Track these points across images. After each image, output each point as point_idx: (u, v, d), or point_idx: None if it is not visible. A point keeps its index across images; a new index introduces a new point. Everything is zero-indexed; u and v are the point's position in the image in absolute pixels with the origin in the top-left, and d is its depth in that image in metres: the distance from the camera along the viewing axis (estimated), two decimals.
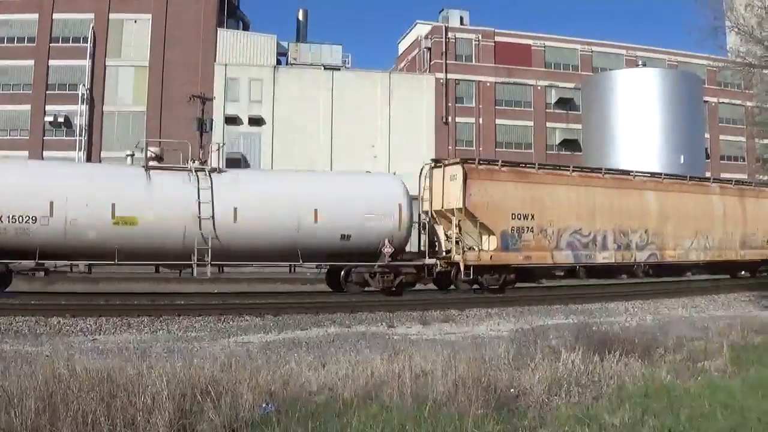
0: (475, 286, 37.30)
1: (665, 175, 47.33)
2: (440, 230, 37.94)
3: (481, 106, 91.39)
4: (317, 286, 38.51)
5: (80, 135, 79.08)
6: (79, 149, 79.01)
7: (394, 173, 42.11)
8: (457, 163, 37.40)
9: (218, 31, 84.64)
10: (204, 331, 24.06)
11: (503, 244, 37.14)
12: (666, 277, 46.98)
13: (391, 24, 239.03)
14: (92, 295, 31.51)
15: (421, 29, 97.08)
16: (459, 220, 36.06)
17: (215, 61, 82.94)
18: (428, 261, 36.63)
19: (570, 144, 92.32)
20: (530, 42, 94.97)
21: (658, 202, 43.45)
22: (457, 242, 36.04)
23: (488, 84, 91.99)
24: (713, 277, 50.07)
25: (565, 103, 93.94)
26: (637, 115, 79.56)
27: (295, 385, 12.20)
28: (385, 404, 11.30)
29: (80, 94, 79.91)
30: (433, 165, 38.81)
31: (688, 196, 45.29)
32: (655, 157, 73.68)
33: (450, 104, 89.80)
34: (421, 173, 38.89)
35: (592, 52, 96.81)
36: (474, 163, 37.73)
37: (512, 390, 12.29)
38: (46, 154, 75.77)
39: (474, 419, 10.40)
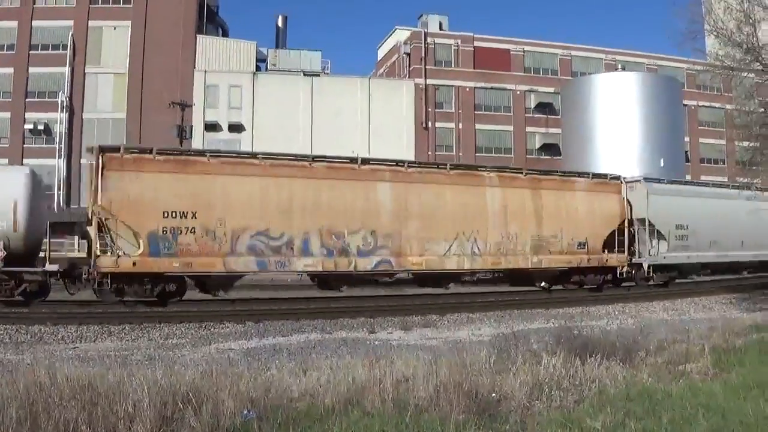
0: (128, 298, 31.54)
1: (410, 163, 38.90)
2: (92, 231, 31.39)
3: (460, 112, 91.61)
4: (300, 292, 38.34)
5: (60, 142, 78.98)
6: (59, 157, 78.90)
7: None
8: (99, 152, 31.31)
9: (197, 38, 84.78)
10: (185, 338, 24.08)
11: (152, 249, 30.95)
12: (432, 287, 38.84)
13: (370, 30, 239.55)
14: (73, 303, 31.35)
15: (401, 35, 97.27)
16: (104, 219, 30.51)
17: (195, 67, 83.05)
18: (50, 267, 30.94)
19: (550, 148, 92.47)
20: (509, 47, 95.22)
21: (395, 195, 35.86)
22: (103, 245, 30.60)
23: (468, 89, 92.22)
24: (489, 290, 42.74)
25: (544, 107, 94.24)
26: (617, 119, 79.66)
27: (276, 392, 12.16)
28: (367, 410, 11.29)
29: (60, 102, 79.88)
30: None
31: (445, 188, 37.24)
32: (635, 160, 73.76)
33: (429, 109, 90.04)
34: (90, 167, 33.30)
35: (571, 56, 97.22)
36: (117, 151, 31.72)
37: (494, 395, 12.25)
38: (26, 161, 75.49)
39: (455, 424, 10.41)
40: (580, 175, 44.64)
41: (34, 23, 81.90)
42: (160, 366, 14.78)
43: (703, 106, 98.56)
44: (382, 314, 30.36)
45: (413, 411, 11.09)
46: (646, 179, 46.27)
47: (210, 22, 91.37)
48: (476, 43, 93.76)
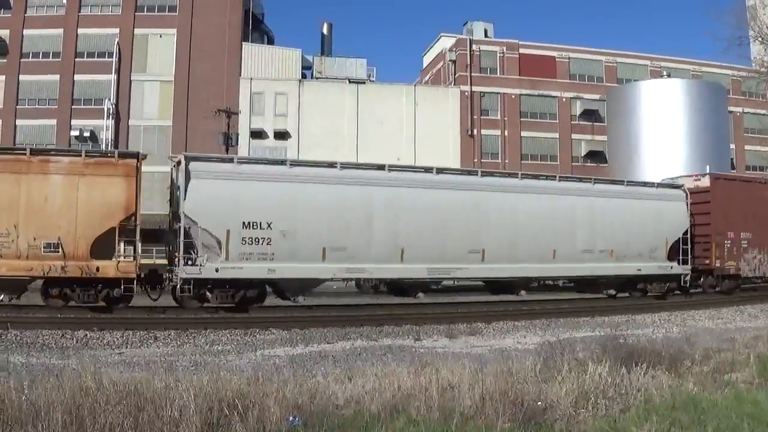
0: None
1: None
2: None
3: (506, 119, 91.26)
4: (343, 299, 38.28)
5: (106, 149, 79.39)
6: None
7: None
8: None
9: (243, 46, 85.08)
10: (230, 344, 24.12)
11: None
12: None
13: (415, 37, 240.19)
14: (119, 309, 31.53)
15: (446, 42, 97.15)
16: None
17: (240, 75, 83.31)
18: None
19: (595, 155, 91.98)
20: (554, 54, 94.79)
21: None
22: None
23: (513, 96, 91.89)
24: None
25: (590, 114, 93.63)
26: (662, 126, 79.39)
27: (322, 399, 12.18)
28: (412, 418, 11.28)
29: (106, 109, 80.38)
30: None
31: None
32: (680, 167, 73.33)
33: (475, 117, 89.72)
34: None
35: (616, 63, 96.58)
36: None
37: (539, 403, 12.19)
38: None
39: None
40: (59, 152, 33.70)
41: (80, 31, 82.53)
42: (205, 372, 14.83)
43: (748, 112, 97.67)
44: (428, 322, 30.30)
45: (459, 419, 11.06)
46: (190, 157, 32.98)
47: (255, 29, 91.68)
48: (521, 50, 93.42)
